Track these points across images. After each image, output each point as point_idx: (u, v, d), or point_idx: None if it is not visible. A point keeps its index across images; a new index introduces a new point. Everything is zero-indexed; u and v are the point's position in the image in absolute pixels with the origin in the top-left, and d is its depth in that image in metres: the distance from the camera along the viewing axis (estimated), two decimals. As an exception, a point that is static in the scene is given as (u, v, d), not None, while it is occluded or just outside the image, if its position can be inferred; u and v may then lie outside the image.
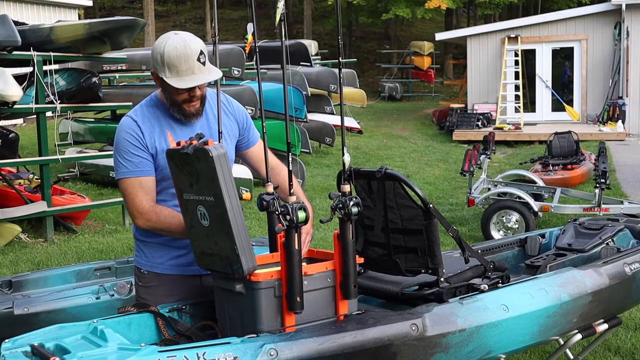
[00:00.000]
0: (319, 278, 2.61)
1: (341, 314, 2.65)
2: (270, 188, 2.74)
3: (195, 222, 2.59)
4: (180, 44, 2.68)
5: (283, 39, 2.63)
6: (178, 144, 2.60)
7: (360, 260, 2.74)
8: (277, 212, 2.53)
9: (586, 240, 4.20)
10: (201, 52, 2.71)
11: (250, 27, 2.86)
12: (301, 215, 2.48)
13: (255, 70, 3.01)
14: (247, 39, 2.87)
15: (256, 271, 2.50)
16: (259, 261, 2.59)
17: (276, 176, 2.99)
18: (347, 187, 2.64)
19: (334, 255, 2.66)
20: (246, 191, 8.95)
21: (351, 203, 2.59)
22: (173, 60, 2.68)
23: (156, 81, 2.82)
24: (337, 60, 2.82)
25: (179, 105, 2.81)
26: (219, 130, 2.86)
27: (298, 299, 2.49)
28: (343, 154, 2.68)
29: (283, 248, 2.51)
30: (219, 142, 2.84)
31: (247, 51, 2.92)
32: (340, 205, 2.60)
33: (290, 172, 2.64)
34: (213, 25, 2.80)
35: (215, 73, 2.78)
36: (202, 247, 2.63)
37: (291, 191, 2.62)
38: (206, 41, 24.07)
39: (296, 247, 2.48)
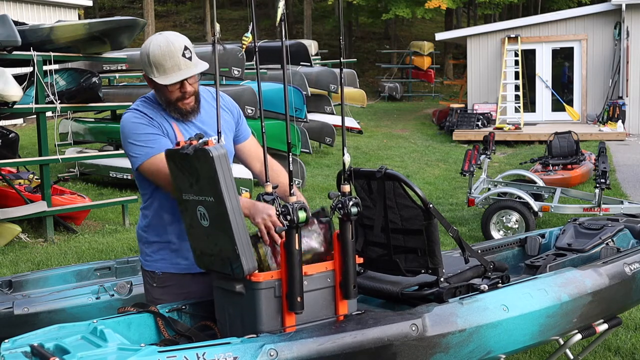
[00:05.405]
0: (318, 278, 2.61)
1: (341, 314, 2.65)
2: (269, 188, 2.74)
3: (195, 223, 2.58)
4: (164, 42, 2.73)
5: (283, 39, 2.63)
6: (178, 144, 2.59)
7: (359, 260, 2.74)
8: (277, 212, 2.53)
9: (586, 240, 4.20)
10: (185, 48, 2.74)
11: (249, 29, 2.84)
12: (302, 215, 2.48)
13: (255, 70, 3.01)
14: (246, 37, 2.85)
15: (256, 271, 2.50)
16: (259, 261, 2.59)
17: (272, 173, 2.96)
18: (346, 187, 2.64)
19: (334, 255, 2.66)
20: (246, 191, 8.95)
21: (350, 203, 2.59)
22: (158, 59, 2.72)
23: (149, 84, 2.84)
24: (337, 60, 2.82)
25: (174, 105, 2.82)
26: (218, 131, 2.86)
27: (298, 299, 2.49)
28: (343, 154, 2.68)
29: (283, 248, 2.51)
30: (219, 141, 2.83)
31: (243, 49, 2.91)
32: (340, 206, 2.60)
33: (290, 172, 2.64)
34: (213, 28, 2.80)
35: (201, 66, 2.79)
36: (201, 248, 2.63)
37: (291, 192, 2.61)
38: (206, 41, 24.09)
39: (297, 247, 2.48)
